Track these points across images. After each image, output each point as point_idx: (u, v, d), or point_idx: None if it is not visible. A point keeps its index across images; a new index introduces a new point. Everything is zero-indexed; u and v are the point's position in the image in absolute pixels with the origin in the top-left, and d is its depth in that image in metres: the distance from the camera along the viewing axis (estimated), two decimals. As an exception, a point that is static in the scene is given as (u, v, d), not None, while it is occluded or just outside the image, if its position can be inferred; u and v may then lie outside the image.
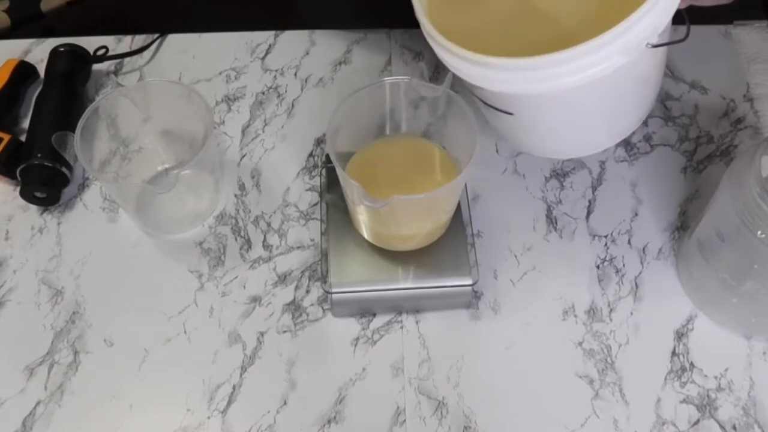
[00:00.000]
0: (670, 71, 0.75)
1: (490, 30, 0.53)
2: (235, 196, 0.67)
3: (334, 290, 0.58)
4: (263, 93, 0.74)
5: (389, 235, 0.58)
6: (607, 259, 0.63)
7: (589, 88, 0.46)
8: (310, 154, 0.70)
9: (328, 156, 0.66)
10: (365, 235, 0.60)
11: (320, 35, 0.79)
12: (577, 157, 0.68)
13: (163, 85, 0.63)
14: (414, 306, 0.60)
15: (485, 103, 0.54)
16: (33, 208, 0.66)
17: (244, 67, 0.76)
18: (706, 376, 0.58)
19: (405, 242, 0.59)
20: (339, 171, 0.53)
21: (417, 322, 0.60)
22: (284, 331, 0.60)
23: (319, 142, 0.71)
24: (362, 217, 0.58)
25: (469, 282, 0.59)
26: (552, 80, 0.45)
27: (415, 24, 0.52)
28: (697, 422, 0.56)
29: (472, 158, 0.52)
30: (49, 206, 0.66)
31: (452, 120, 0.57)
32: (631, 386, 0.57)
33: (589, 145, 0.58)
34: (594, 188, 0.67)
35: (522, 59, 0.44)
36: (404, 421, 0.56)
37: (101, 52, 0.75)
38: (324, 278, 0.59)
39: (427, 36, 0.51)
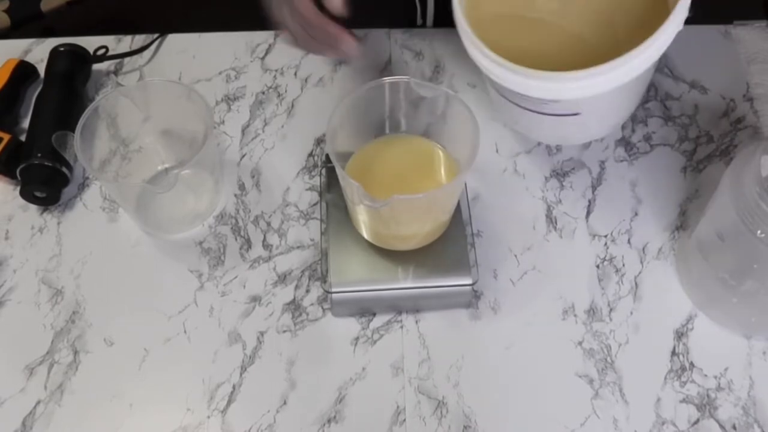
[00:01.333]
0: (670, 71, 0.75)
1: (527, 51, 0.56)
2: (235, 195, 0.67)
3: (334, 290, 0.58)
4: (263, 93, 0.74)
5: (389, 234, 0.58)
6: (606, 258, 0.63)
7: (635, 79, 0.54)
8: (310, 154, 0.70)
9: (328, 156, 0.67)
10: (365, 234, 0.60)
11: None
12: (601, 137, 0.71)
13: (163, 85, 0.63)
14: (414, 306, 0.60)
15: (547, 114, 0.58)
16: (33, 207, 0.66)
17: (244, 66, 0.76)
18: (705, 375, 0.58)
19: (405, 242, 0.59)
20: (339, 170, 0.53)
21: (417, 322, 0.60)
22: (284, 331, 0.60)
23: (319, 142, 0.71)
24: (362, 217, 0.58)
25: (469, 282, 0.59)
26: (619, 78, 0.52)
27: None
28: (696, 422, 0.56)
29: (474, 158, 0.52)
30: (49, 206, 0.66)
31: (452, 120, 0.57)
32: (630, 386, 0.57)
33: (611, 125, 0.68)
34: (594, 188, 0.67)
35: (598, 67, 0.51)
36: (404, 420, 0.56)
37: (101, 52, 0.75)
38: (324, 278, 0.59)
39: (493, 63, 0.54)
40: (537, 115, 0.59)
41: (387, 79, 0.57)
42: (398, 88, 0.57)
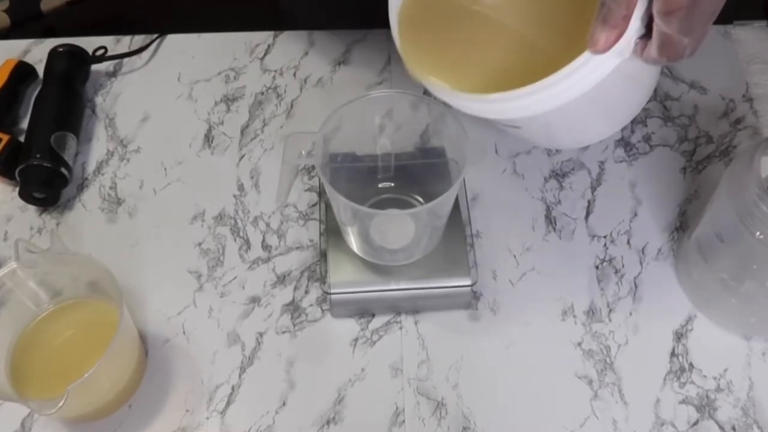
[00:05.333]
0: (669, 71, 0.75)
1: (463, 56, 0.51)
2: (234, 196, 0.67)
3: (333, 291, 0.58)
4: (262, 93, 0.74)
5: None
6: (606, 259, 0.63)
7: (588, 94, 0.45)
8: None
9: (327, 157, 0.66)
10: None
11: (319, 35, 0.79)
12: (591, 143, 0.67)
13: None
14: (413, 306, 0.60)
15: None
16: (32, 208, 0.66)
17: (243, 67, 0.76)
18: (705, 376, 0.58)
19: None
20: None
21: (416, 323, 0.60)
22: (283, 332, 0.60)
23: (319, 142, 0.70)
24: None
25: (468, 282, 0.59)
26: (556, 97, 0.45)
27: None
28: (696, 423, 0.56)
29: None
30: (48, 207, 0.66)
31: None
32: (630, 387, 0.57)
33: (594, 136, 0.58)
34: (593, 188, 0.67)
35: (531, 86, 0.44)
36: (403, 421, 0.56)
37: (100, 52, 0.75)
38: (323, 279, 0.59)
39: (426, 84, 0.50)
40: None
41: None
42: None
